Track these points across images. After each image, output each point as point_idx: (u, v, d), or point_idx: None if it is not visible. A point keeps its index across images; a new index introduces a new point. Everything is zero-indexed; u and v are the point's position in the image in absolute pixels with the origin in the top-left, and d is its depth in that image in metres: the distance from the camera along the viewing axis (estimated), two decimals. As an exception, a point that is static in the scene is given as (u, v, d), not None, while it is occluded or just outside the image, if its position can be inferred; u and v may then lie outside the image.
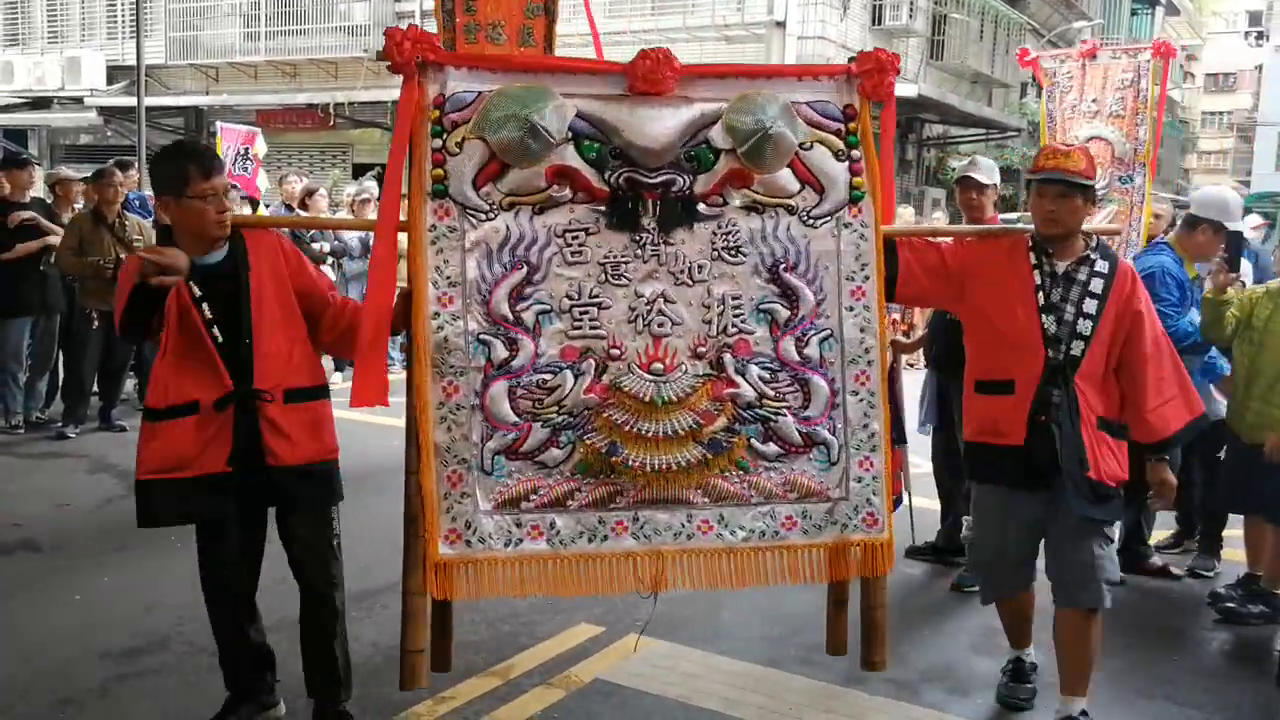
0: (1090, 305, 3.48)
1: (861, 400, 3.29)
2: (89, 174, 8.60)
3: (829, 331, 3.27)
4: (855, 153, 3.31)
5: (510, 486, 3.14)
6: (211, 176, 3.19)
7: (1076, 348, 3.48)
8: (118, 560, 5.34)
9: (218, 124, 12.89)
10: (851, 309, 3.29)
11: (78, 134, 24.04)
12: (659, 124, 3.16)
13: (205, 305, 3.19)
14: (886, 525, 3.31)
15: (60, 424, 8.03)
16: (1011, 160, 22.48)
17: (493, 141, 3.10)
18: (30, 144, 22.84)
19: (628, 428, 3.17)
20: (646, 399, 3.18)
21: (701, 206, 3.22)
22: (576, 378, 3.16)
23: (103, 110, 21.66)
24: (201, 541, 3.36)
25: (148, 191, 10.51)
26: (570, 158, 3.14)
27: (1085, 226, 3.60)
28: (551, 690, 3.97)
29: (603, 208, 3.17)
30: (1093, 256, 3.54)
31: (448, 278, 3.13)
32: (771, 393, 3.24)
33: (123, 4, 22.17)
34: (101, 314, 7.77)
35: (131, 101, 16.39)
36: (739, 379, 3.23)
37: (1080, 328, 3.47)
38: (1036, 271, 3.53)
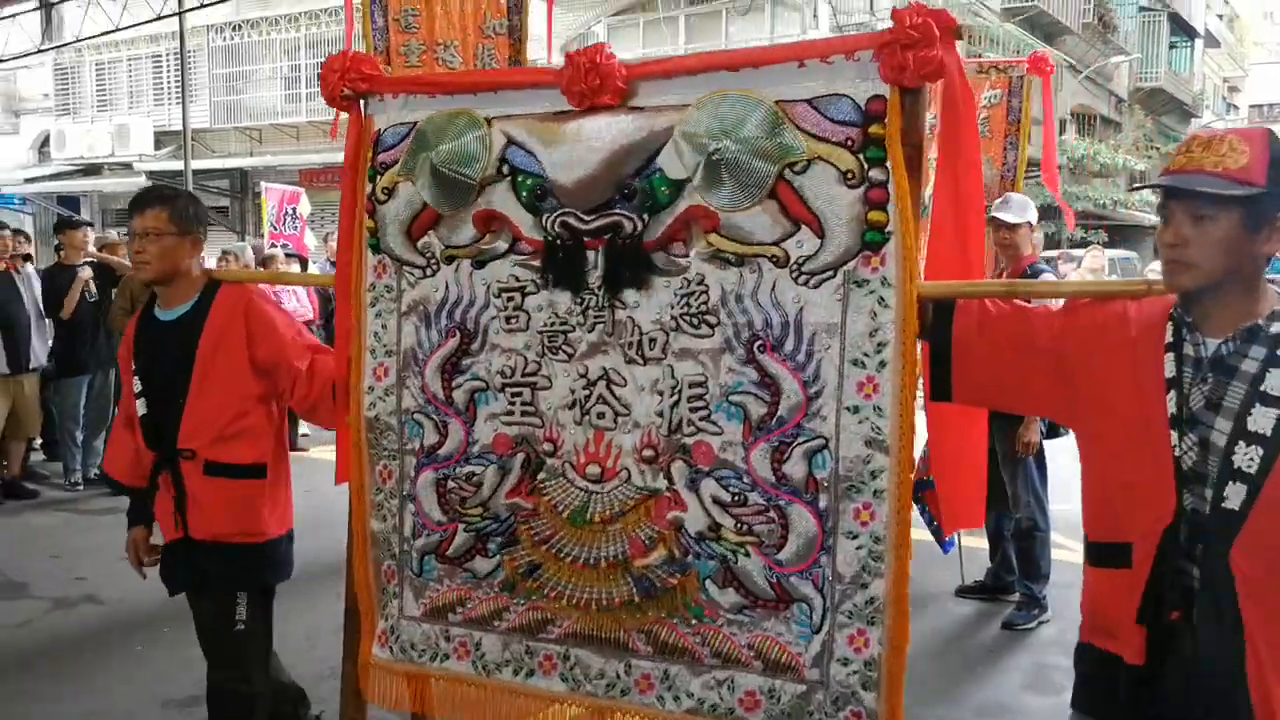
0: (1263, 417, 2.01)
1: (861, 548, 2.28)
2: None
3: (822, 441, 2.30)
4: (876, 172, 2.23)
5: (440, 592, 2.73)
6: (131, 218, 3.24)
7: (1233, 495, 2.02)
8: (177, 612, 5.47)
9: (262, 184, 13.24)
10: (856, 410, 2.27)
11: (128, 198, 24.69)
12: (580, 150, 2.45)
13: (139, 376, 3.26)
14: None
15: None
16: (1048, 197, 22.34)
17: (416, 184, 2.65)
18: (83, 209, 23.70)
19: (547, 546, 2.58)
20: (565, 514, 2.55)
21: (658, 258, 2.43)
22: (502, 475, 2.62)
23: (151, 174, 22.27)
24: None
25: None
26: (501, 199, 2.56)
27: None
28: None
29: (537, 261, 2.55)
30: (1269, 327, 2.05)
31: (385, 345, 2.76)
32: (731, 522, 2.38)
33: (168, 72, 22.91)
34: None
35: (179, 165, 16.87)
36: (689, 498, 2.43)
37: (1240, 459, 2.02)
38: (1171, 355, 2.11)
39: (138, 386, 3.27)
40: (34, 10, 12.06)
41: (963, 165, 2.35)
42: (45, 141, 25.20)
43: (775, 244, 2.32)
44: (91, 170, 23.81)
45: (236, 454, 3.20)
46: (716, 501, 2.39)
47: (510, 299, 2.59)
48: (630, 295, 2.46)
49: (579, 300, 2.51)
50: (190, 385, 3.18)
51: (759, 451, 2.35)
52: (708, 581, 2.42)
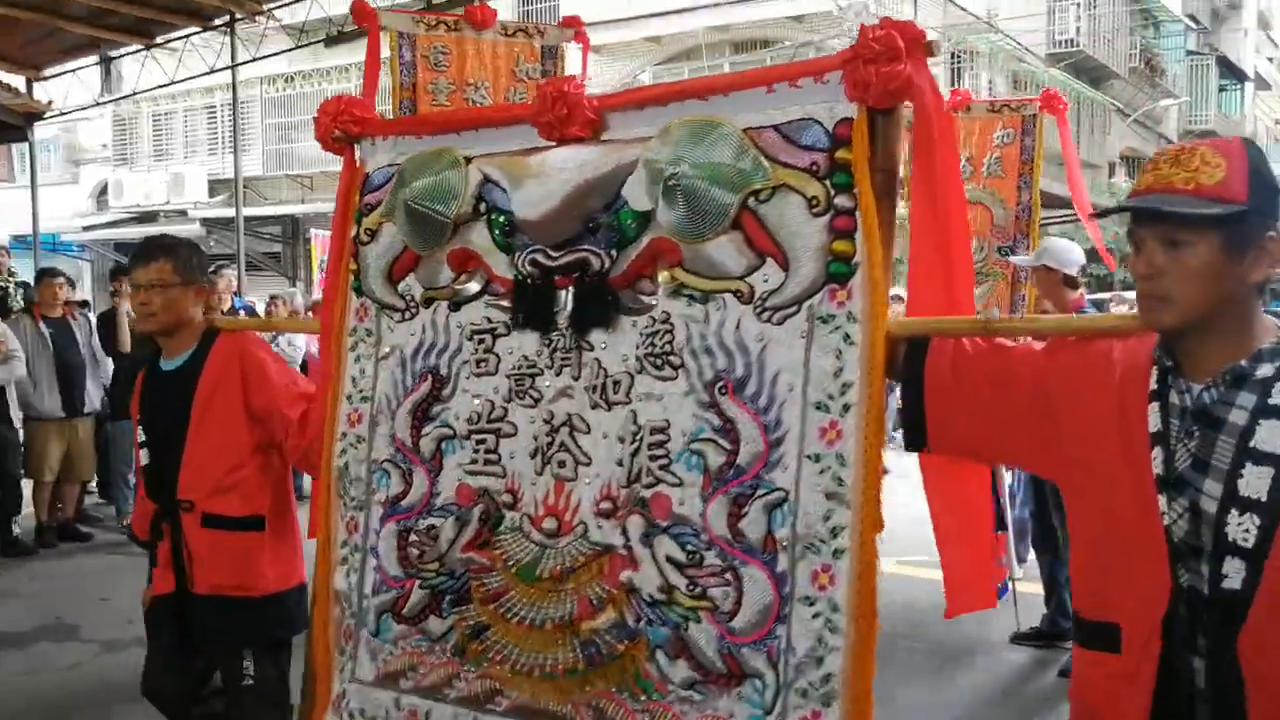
0: (1256, 479, 1.69)
1: (818, 616, 2.01)
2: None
3: (782, 494, 2.07)
4: (842, 199, 2.05)
5: (395, 656, 2.54)
6: (133, 269, 3.27)
7: (1232, 573, 1.70)
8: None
9: (313, 231, 13.40)
10: (817, 459, 2.04)
11: (182, 245, 25.26)
12: (546, 184, 2.35)
13: (142, 426, 3.26)
14: None
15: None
16: (1088, 239, 22.27)
17: (395, 224, 2.61)
18: (138, 256, 23.94)
19: (496, 605, 2.38)
20: (514, 569, 2.37)
21: (625, 295, 2.29)
22: (460, 528, 2.46)
23: (205, 221, 22.73)
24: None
25: (250, 297, 10.99)
26: (476, 238, 2.49)
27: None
28: None
29: (506, 302, 2.45)
30: (1254, 370, 1.75)
31: (361, 391, 2.67)
32: (684, 583, 2.15)
33: (222, 122, 23.41)
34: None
35: (231, 212, 17.17)
36: (642, 555, 2.21)
37: (1234, 529, 1.70)
38: (1156, 404, 1.82)
39: (141, 437, 3.29)
40: (94, 65, 12.37)
41: (940, 192, 2.15)
42: (104, 190, 25.94)
43: (740, 278, 2.15)
44: (147, 218, 24.33)
45: (232, 505, 3.16)
46: (671, 560, 2.16)
47: (481, 341, 2.48)
48: (597, 336, 2.32)
49: (547, 341, 2.38)
50: (188, 435, 3.17)
51: (716, 505, 2.13)
52: (658, 651, 2.17)
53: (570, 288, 2.34)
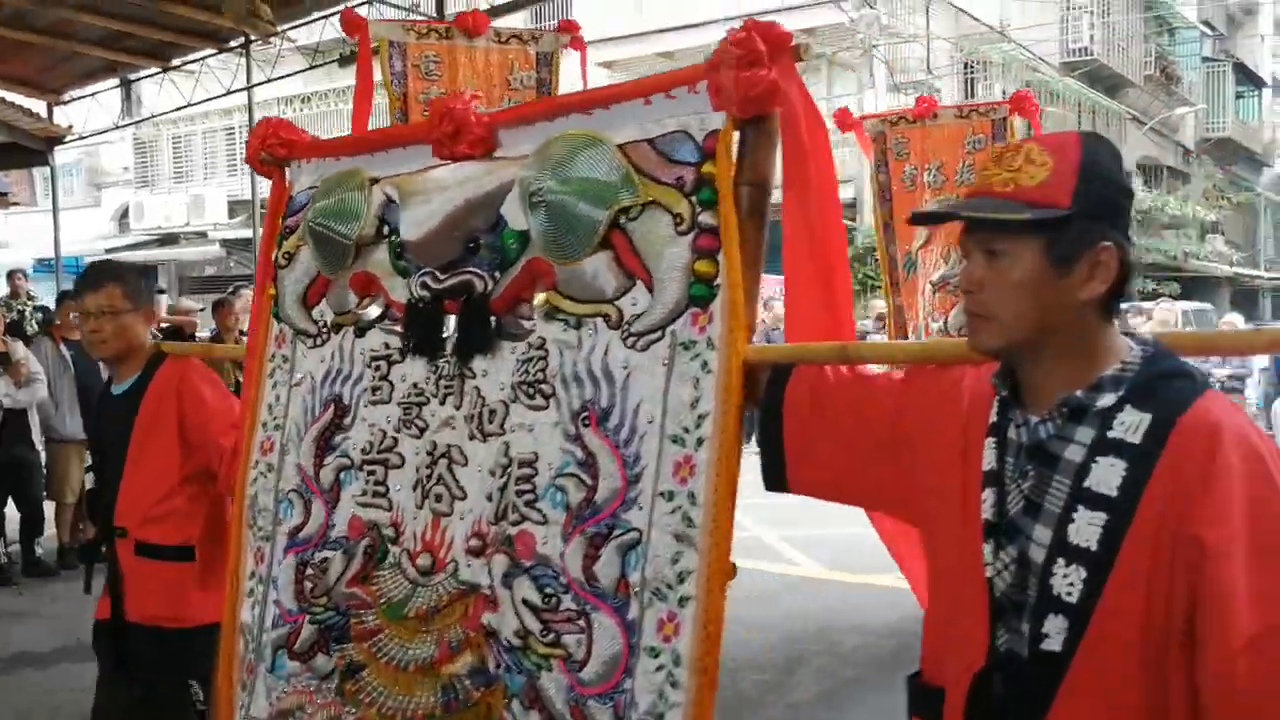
0: (1087, 525, 1.47)
1: (661, 669, 1.83)
2: (210, 303, 9.12)
3: (636, 535, 1.90)
4: (707, 216, 1.91)
5: (287, 694, 2.43)
6: (81, 295, 3.23)
7: (1054, 632, 1.47)
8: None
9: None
10: (670, 497, 1.88)
11: (203, 266, 25.53)
12: (429, 203, 2.27)
13: (91, 450, 3.24)
14: None
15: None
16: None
17: (307, 247, 2.55)
18: (160, 277, 24.23)
19: (369, 643, 2.27)
20: (385, 607, 2.26)
21: (507, 320, 2.17)
22: (348, 562, 2.35)
23: (225, 242, 22.87)
24: None
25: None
26: (376, 261, 2.41)
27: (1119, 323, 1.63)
28: None
29: (399, 327, 2.36)
30: (1094, 401, 1.52)
31: (275, 419, 2.60)
32: (539, 628, 2.00)
33: (240, 143, 23.55)
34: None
35: (250, 233, 17.26)
36: (503, 597, 2.07)
37: (1060, 582, 1.47)
38: (992, 439, 1.61)
39: (88, 460, 3.30)
40: (114, 88, 12.50)
41: (817, 208, 1.98)
42: (125, 213, 26.23)
43: (610, 301, 2.01)
44: (169, 240, 24.57)
45: (164, 534, 3.12)
46: (526, 603, 2.02)
47: (378, 368, 2.39)
48: (479, 363, 2.20)
49: (434, 368, 2.28)
50: (126, 461, 3.15)
51: (574, 545, 1.98)
52: (514, 700, 2.02)
53: (456, 313, 2.23)
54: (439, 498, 2.22)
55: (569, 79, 4.82)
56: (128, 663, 3.20)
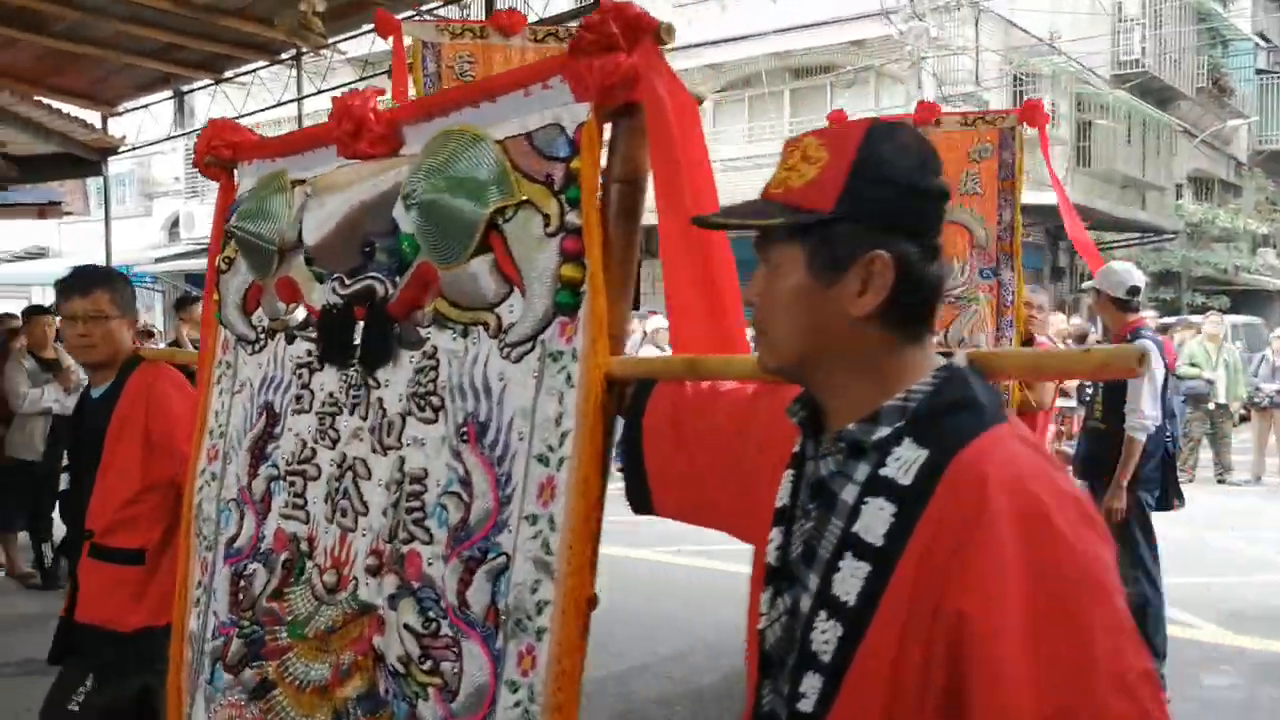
0: (851, 575, 1.30)
1: (518, 705, 1.73)
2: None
3: (505, 560, 1.80)
4: (573, 216, 1.78)
5: (223, 707, 2.39)
6: (68, 299, 3.23)
7: (809, 690, 1.31)
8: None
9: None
10: (534, 520, 1.77)
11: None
12: (325, 206, 2.19)
13: (68, 452, 3.27)
14: None
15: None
16: (1171, 263, 22.06)
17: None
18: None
19: (279, 661, 2.22)
20: (291, 624, 2.21)
21: (405, 327, 2.07)
22: (270, 575, 2.30)
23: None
24: None
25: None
26: (297, 266, 2.33)
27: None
28: None
29: (314, 333, 2.29)
30: (869, 433, 1.33)
31: (220, 426, 2.57)
32: (419, 653, 1.91)
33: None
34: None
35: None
36: (390, 620, 1.98)
37: (818, 638, 1.31)
38: (790, 473, 1.46)
39: (65, 461, 3.36)
40: (166, 99, 12.75)
41: (690, 203, 1.79)
42: (175, 223, 26.67)
43: (490, 309, 1.90)
44: (217, 249, 24.91)
45: (122, 539, 3.15)
46: (408, 628, 1.93)
47: (300, 376, 2.32)
48: (383, 372, 2.11)
49: (346, 377, 2.19)
50: (100, 465, 3.18)
51: (451, 568, 1.88)
52: None
53: (364, 319, 2.15)
54: (344, 512, 2.15)
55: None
56: (73, 658, 3.26)
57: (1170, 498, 5.41)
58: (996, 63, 19.02)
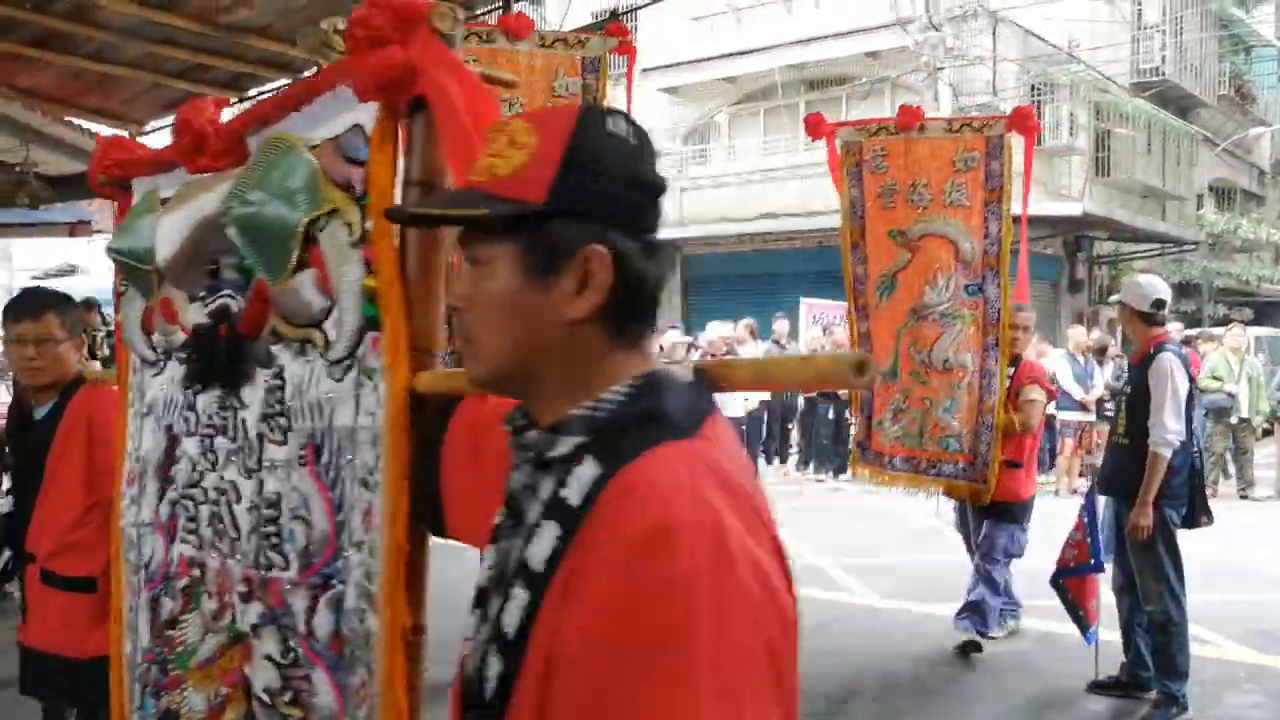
0: (516, 606, 1.18)
1: None
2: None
3: (341, 589, 1.74)
4: (370, 222, 1.69)
5: None
6: (18, 322, 3.23)
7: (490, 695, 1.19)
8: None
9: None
10: (360, 547, 1.70)
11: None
12: (168, 223, 2.11)
13: (11, 473, 3.26)
14: None
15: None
16: (1192, 275, 21.97)
17: None
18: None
19: (177, 692, 2.19)
20: (179, 654, 2.16)
21: (259, 346, 1.99)
22: (173, 601, 2.26)
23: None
24: None
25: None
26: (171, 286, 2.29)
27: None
28: None
29: (186, 354, 2.23)
30: (551, 445, 1.21)
31: (136, 449, 2.53)
32: (279, 684, 1.85)
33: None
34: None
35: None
36: (255, 648, 1.92)
37: (488, 671, 1.20)
38: (515, 473, 1.32)
39: (6, 484, 3.41)
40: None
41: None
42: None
43: (318, 325, 1.81)
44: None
45: (70, 565, 3.16)
46: (269, 658, 1.86)
47: (186, 397, 2.26)
48: (246, 392, 2.03)
49: (218, 399, 2.13)
50: (41, 488, 3.20)
51: (300, 595, 1.81)
52: None
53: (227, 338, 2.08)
54: (222, 536, 2.09)
55: (615, 85, 4.52)
56: (48, 694, 3.29)
57: (1198, 514, 5.24)
58: (1014, 72, 19.00)
